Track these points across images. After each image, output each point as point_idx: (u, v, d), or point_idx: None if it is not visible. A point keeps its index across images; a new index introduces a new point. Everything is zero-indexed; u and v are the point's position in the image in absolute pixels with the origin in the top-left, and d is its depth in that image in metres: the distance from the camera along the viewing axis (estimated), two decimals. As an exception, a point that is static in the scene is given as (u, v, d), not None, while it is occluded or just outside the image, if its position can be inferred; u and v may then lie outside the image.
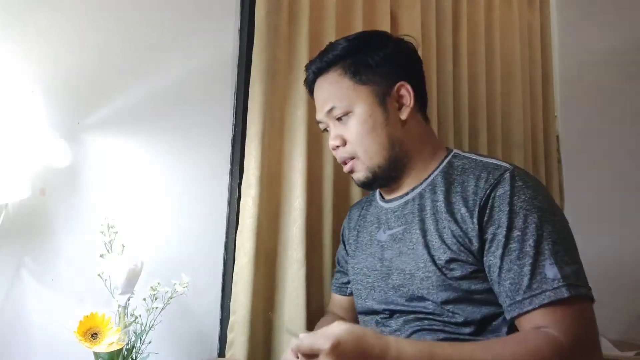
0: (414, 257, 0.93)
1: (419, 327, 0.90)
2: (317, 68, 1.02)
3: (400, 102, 0.98)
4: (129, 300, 0.96)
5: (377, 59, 0.97)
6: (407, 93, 0.98)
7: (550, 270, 0.78)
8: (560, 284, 0.78)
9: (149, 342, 1.00)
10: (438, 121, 1.57)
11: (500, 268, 0.83)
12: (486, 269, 0.86)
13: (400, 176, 1.00)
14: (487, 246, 0.85)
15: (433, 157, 1.00)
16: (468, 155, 0.98)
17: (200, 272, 1.20)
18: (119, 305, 0.95)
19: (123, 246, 0.99)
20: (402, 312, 0.94)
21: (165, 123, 1.25)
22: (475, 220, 0.86)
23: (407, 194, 1.00)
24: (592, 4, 2.22)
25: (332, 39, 1.36)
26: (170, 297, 1.01)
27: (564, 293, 0.77)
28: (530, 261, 0.80)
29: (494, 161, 0.93)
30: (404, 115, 0.98)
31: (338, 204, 1.35)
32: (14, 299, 1.06)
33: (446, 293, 0.87)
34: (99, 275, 0.97)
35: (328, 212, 1.34)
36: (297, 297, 1.24)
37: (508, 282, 0.81)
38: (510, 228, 0.83)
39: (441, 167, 0.98)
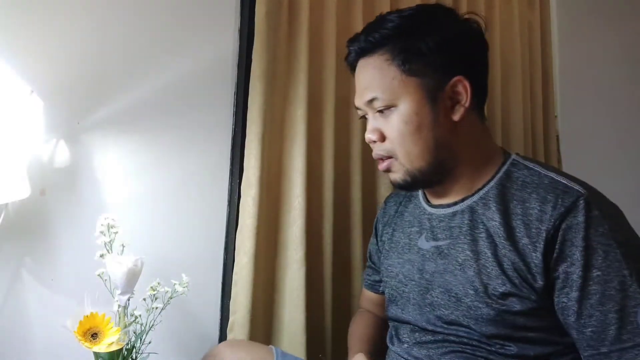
0: (462, 281, 0.82)
1: (459, 349, 0.82)
2: (360, 48, 0.86)
3: (454, 100, 0.83)
4: (129, 300, 0.96)
5: (432, 46, 0.81)
6: (463, 90, 0.83)
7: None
8: None
9: (149, 342, 1.00)
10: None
11: (579, 314, 0.72)
12: (558, 312, 0.76)
13: (446, 181, 0.88)
14: (558, 286, 0.74)
15: (488, 164, 0.86)
16: (530, 165, 0.84)
17: (200, 272, 1.20)
18: (119, 305, 0.95)
19: (123, 246, 0.99)
20: (440, 333, 0.86)
21: (165, 123, 1.25)
22: (539, 254, 0.75)
23: (456, 203, 0.87)
24: (592, 3, 2.22)
25: (332, 39, 1.36)
26: (171, 297, 1.01)
27: None
28: (616, 307, 0.69)
29: (564, 181, 0.78)
30: (457, 115, 0.83)
31: (338, 204, 1.35)
32: (14, 299, 1.06)
33: (496, 327, 0.78)
34: (99, 275, 0.97)
35: (328, 212, 1.34)
36: (297, 297, 1.24)
37: (589, 329, 0.72)
38: (587, 267, 0.71)
39: (497, 177, 0.85)
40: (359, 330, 1.08)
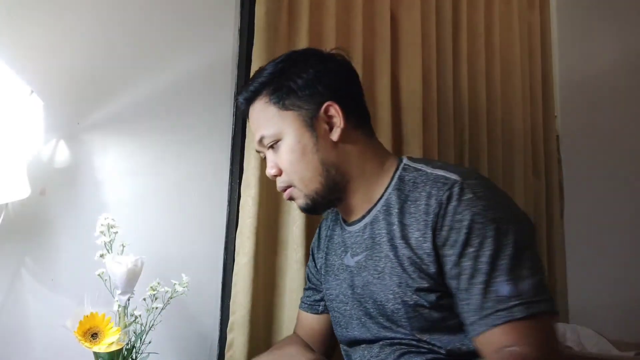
0: (382, 288, 0.87)
1: (405, 350, 0.87)
2: (245, 98, 0.97)
3: (330, 123, 0.92)
4: (129, 300, 0.96)
5: (300, 82, 0.92)
6: (336, 113, 0.91)
7: (505, 288, 0.74)
8: (515, 302, 0.73)
9: (149, 342, 1.00)
10: (438, 121, 1.57)
11: (458, 289, 0.79)
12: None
13: (345, 198, 0.94)
14: (445, 269, 0.81)
15: (381, 174, 0.93)
16: (418, 166, 0.91)
17: (200, 272, 1.20)
18: (119, 305, 0.95)
19: (123, 246, 0.99)
20: (384, 339, 0.90)
21: (166, 123, 1.25)
22: (429, 244, 0.81)
23: (363, 217, 0.94)
24: (593, 3, 2.22)
25: (332, 39, 1.36)
26: (171, 297, 1.01)
27: (517, 313, 0.73)
28: (483, 278, 0.76)
29: (443, 173, 0.85)
30: (335, 136, 0.91)
31: (338, 204, 1.35)
32: (14, 299, 1.06)
33: (420, 323, 0.84)
34: (99, 275, 0.97)
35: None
36: (297, 297, 1.24)
37: (464, 302, 0.78)
38: (464, 246, 0.78)
39: (392, 183, 0.91)
40: (288, 346, 1.07)
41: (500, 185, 1.70)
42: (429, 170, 0.88)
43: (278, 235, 1.30)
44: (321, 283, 1.06)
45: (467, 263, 0.78)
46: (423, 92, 1.52)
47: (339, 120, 0.91)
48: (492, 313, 0.75)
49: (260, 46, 1.27)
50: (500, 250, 0.76)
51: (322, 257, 1.06)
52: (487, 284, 0.75)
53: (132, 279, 0.95)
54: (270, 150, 0.94)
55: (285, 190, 0.95)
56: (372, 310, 0.90)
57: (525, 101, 1.84)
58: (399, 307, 0.85)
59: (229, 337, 1.21)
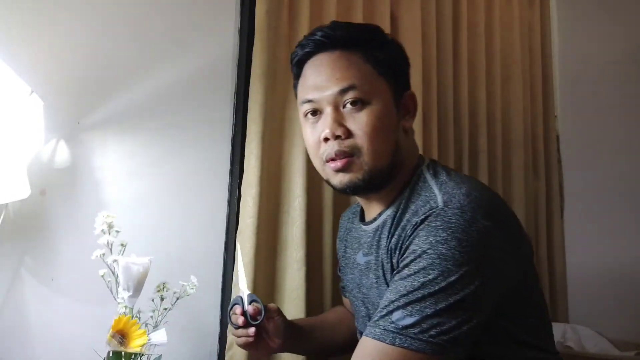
0: (379, 296, 0.86)
1: None
2: (330, 40, 0.85)
3: (405, 109, 0.89)
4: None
5: (395, 56, 0.89)
6: (413, 103, 0.90)
7: (397, 315, 0.72)
8: (393, 328, 0.71)
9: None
10: (438, 121, 1.57)
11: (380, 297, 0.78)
12: None
13: (383, 188, 0.88)
14: None
15: (405, 175, 0.89)
16: (428, 176, 0.85)
17: (200, 272, 1.20)
18: (126, 307, 0.95)
19: (122, 245, 0.99)
20: None
21: (166, 123, 1.25)
22: (396, 260, 0.80)
23: (375, 219, 0.90)
24: (592, 3, 2.22)
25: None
26: (178, 298, 1.02)
27: (387, 339, 0.71)
28: (392, 298, 0.73)
29: (437, 191, 0.80)
30: (408, 124, 0.89)
31: (338, 204, 1.35)
32: (14, 299, 1.06)
33: None
34: (102, 276, 0.96)
35: (328, 212, 1.34)
36: (297, 297, 1.24)
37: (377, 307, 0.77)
38: (405, 265, 0.75)
39: (406, 189, 0.86)
40: (327, 313, 1.19)
41: (500, 185, 1.70)
42: (431, 183, 0.83)
43: (278, 235, 1.30)
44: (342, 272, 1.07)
45: (395, 280, 0.75)
46: (423, 92, 1.52)
47: (413, 111, 0.90)
48: (374, 326, 0.73)
49: (260, 46, 1.27)
50: (422, 285, 0.71)
51: (342, 248, 1.06)
52: (392, 304, 0.73)
53: (142, 280, 0.95)
54: (343, 110, 0.83)
55: (343, 158, 0.83)
56: (372, 312, 0.89)
57: (525, 101, 1.84)
58: None
59: (229, 337, 1.21)
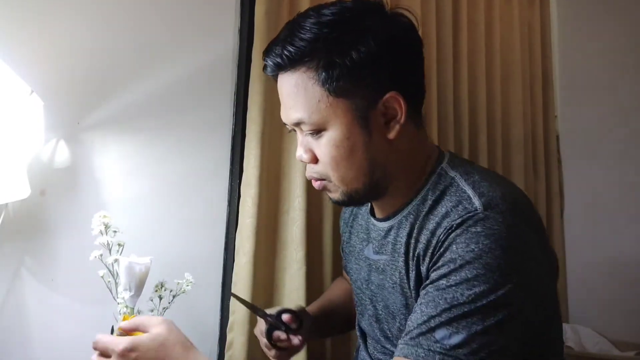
0: (393, 300, 0.80)
1: None
2: (276, 64, 0.75)
3: (387, 116, 0.75)
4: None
5: (359, 60, 0.70)
6: (397, 106, 0.74)
7: (441, 333, 0.64)
8: (440, 348, 0.64)
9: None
10: (438, 121, 1.57)
11: (414, 310, 0.70)
12: None
13: (383, 197, 0.81)
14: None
15: (420, 174, 0.80)
16: (454, 174, 0.77)
17: (200, 272, 1.20)
18: (127, 307, 0.94)
19: (119, 245, 0.98)
20: (386, 349, 0.85)
21: (165, 123, 1.25)
22: (424, 268, 0.72)
23: (389, 218, 0.83)
24: (592, 3, 2.22)
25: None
26: (175, 296, 1.02)
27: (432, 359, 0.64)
28: (432, 313, 0.66)
29: (471, 192, 0.72)
30: (392, 133, 0.75)
31: (338, 204, 1.35)
32: (14, 299, 1.06)
33: None
34: (102, 277, 0.96)
35: (328, 212, 1.34)
36: (297, 297, 1.24)
37: (409, 322, 0.69)
38: (442, 275, 0.67)
39: (425, 189, 0.78)
40: (332, 290, 1.16)
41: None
42: (461, 183, 0.75)
43: (278, 235, 1.30)
44: (345, 255, 1.01)
45: (432, 292, 0.68)
46: (423, 92, 1.52)
47: (400, 115, 0.74)
48: (414, 345, 0.66)
49: (260, 46, 1.27)
50: (466, 298, 0.64)
51: (347, 233, 0.99)
52: (432, 320, 0.66)
53: (144, 280, 0.95)
54: (308, 135, 0.76)
55: (317, 180, 0.80)
56: (381, 313, 0.84)
57: (525, 101, 1.84)
58: (404, 324, 0.76)
59: (229, 337, 1.21)
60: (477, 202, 0.70)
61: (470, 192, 0.72)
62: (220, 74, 1.33)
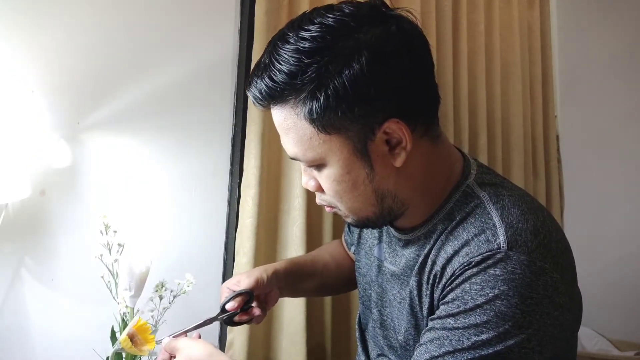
0: (398, 315, 0.77)
1: None
2: (257, 100, 0.67)
3: (392, 142, 0.66)
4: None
5: (344, 91, 0.61)
6: (400, 133, 0.65)
7: None
8: None
9: (149, 343, 1.00)
10: (438, 121, 1.57)
11: (421, 338, 0.67)
12: None
13: (400, 217, 0.74)
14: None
15: (441, 192, 0.73)
16: (483, 194, 0.70)
17: (200, 272, 1.20)
18: (127, 306, 0.95)
19: (119, 245, 0.98)
20: (386, 355, 0.83)
21: (166, 123, 1.25)
22: (436, 298, 0.69)
23: (406, 231, 0.77)
24: (592, 3, 2.22)
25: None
26: (176, 296, 1.02)
27: None
28: (435, 353, 0.63)
29: (498, 221, 0.65)
30: (398, 161, 0.67)
31: (338, 204, 1.35)
32: (14, 299, 1.06)
33: None
34: (102, 277, 0.96)
35: (328, 212, 1.34)
36: (297, 298, 1.24)
37: (414, 354, 0.67)
38: (450, 314, 0.63)
39: (447, 207, 0.72)
40: (320, 251, 1.08)
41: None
42: (489, 206, 0.68)
43: (278, 235, 1.30)
44: (354, 245, 0.96)
45: (438, 330, 0.64)
46: (423, 92, 1.52)
47: (404, 141, 0.65)
48: None
49: (260, 46, 1.27)
50: (472, 346, 0.61)
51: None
52: (433, 358, 0.63)
53: (144, 280, 0.95)
54: (309, 167, 0.71)
55: (328, 206, 0.75)
56: (387, 320, 0.81)
57: (525, 101, 1.84)
58: (411, 344, 0.74)
59: (229, 337, 1.21)
60: (501, 236, 0.63)
61: (496, 219, 0.65)
62: (220, 74, 1.33)
